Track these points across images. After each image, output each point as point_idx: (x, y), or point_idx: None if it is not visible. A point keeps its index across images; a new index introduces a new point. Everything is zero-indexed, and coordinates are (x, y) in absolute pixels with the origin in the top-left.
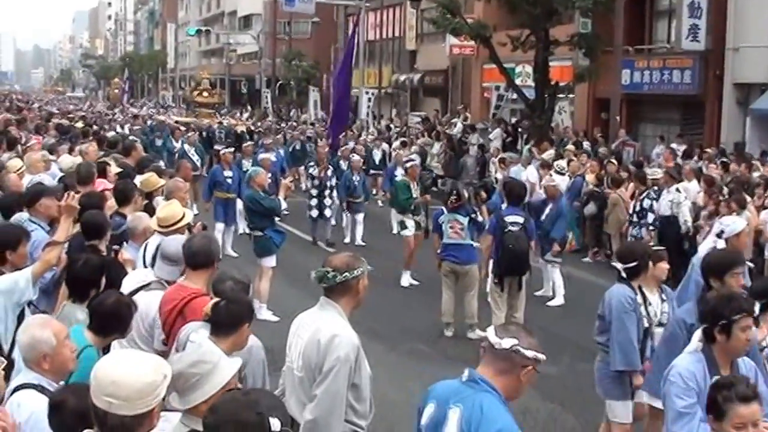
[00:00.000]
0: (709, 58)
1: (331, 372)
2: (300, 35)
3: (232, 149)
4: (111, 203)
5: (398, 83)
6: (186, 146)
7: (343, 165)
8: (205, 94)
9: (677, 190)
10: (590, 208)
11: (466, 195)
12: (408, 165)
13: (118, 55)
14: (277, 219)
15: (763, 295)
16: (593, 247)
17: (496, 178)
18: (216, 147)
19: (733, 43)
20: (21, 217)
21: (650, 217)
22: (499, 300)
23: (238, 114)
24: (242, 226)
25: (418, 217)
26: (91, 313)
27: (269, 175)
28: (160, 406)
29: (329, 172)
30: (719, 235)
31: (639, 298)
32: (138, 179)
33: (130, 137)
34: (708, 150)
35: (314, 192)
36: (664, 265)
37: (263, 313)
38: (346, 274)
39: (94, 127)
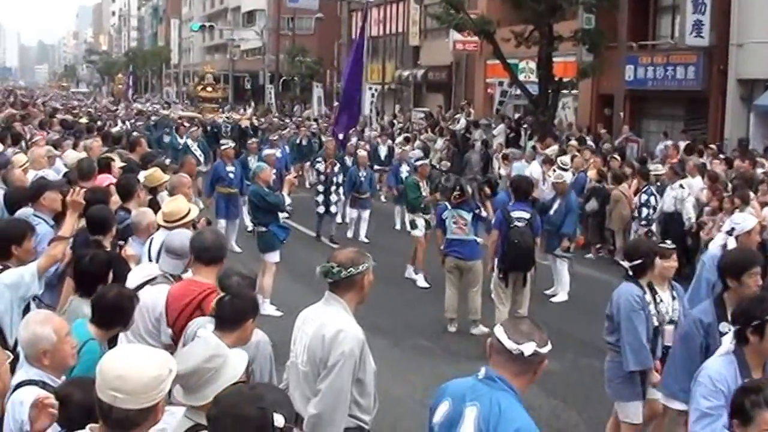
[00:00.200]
0: (712, 53)
1: (336, 367)
2: (304, 31)
3: (234, 144)
4: (115, 198)
5: (401, 79)
6: (189, 141)
7: (349, 161)
8: (209, 89)
9: (680, 186)
10: (592, 204)
11: (470, 191)
12: (418, 163)
13: (122, 51)
14: (285, 216)
15: None
16: (596, 243)
17: (499, 174)
18: (222, 142)
19: (737, 39)
20: (26, 212)
21: (644, 212)
22: (503, 295)
23: (242, 110)
24: (248, 223)
25: (428, 216)
26: (93, 307)
27: (274, 171)
28: (164, 401)
29: (336, 168)
30: (729, 233)
31: (648, 296)
32: (142, 174)
33: (134, 133)
34: (712, 146)
35: (320, 188)
36: (672, 263)
37: (267, 308)
38: (351, 269)
39: (98, 123)
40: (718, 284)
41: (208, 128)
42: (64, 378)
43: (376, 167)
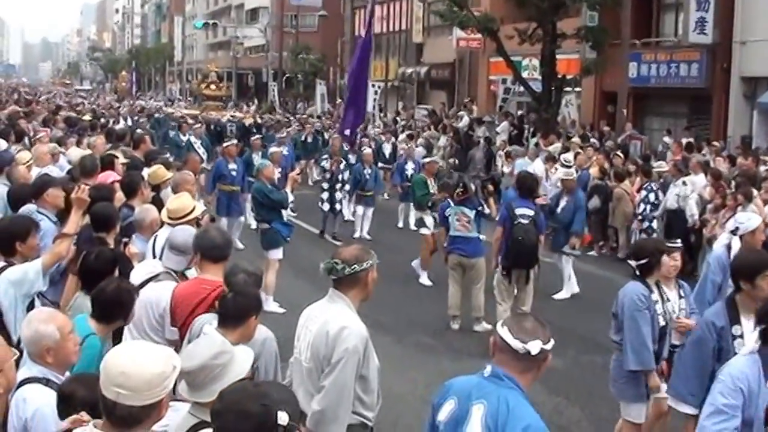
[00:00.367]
0: (716, 51)
1: (339, 363)
2: (307, 28)
3: (236, 141)
4: (119, 195)
5: (405, 76)
6: (192, 139)
7: (352, 158)
8: (213, 86)
9: (683, 183)
10: (594, 202)
11: (473, 188)
12: (426, 161)
13: (125, 48)
14: (291, 213)
15: None
16: (598, 241)
17: (502, 172)
18: (226, 140)
19: (740, 37)
20: (29, 208)
21: (641, 207)
22: (506, 292)
23: (245, 107)
24: (251, 221)
25: (436, 214)
26: (93, 301)
27: (279, 169)
28: (168, 397)
29: (341, 165)
30: (734, 232)
31: (655, 296)
32: (145, 171)
33: (138, 130)
34: (715, 143)
35: (325, 185)
36: (674, 261)
37: (270, 305)
38: (355, 266)
39: (102, 120)
40: (724, 286)
41: (212, 126)
42: (68, 374)
43: (380, 165)
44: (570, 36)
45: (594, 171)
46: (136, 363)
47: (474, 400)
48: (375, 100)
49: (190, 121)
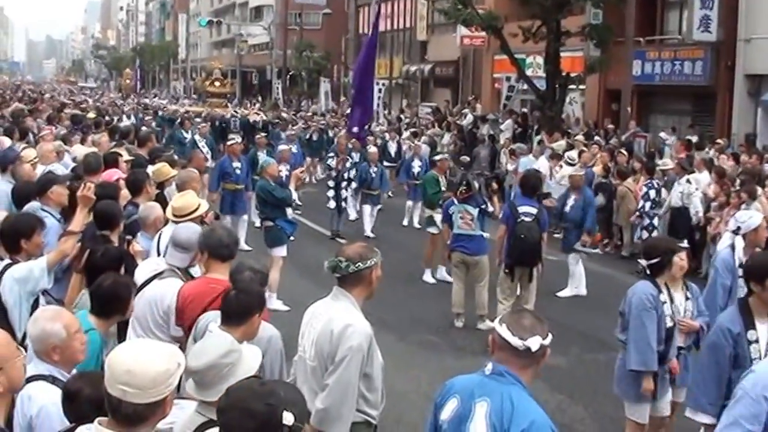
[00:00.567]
0: (720, 49)
1: (344, 361)
2: (311, 26)
3: (240, 139)
4: (124, 193)
5: (409, 74)
6: (197, 137)
7: (356, 156)
8: (217, 84)
9: (687, 181)
10: (598, 200)
11: (477, 186)
12: (437, 158)
13: (129, 46)
14: (297, 212)
15: None
16: (603, 239)
17: (506, 170)
18: (229, 137)
19: (744, 34)
20: (33, 206)
21: (640, 203)
22: (508, 290)
23: (249, 104)
24: (254, 218)
25: None
26: (91, 297)
27: (288, 166)
28: (173, 395)
29: (347, 164)
30: (736, 232)
31: (664, 296)
32: (150, 169)
33: (143, 128)
34: (719, 141)
35: (331, 183)
36: (681, 261)
37: (274, 302)
38: (359, 264)
39: (106, 118)
40: (734, 287)
41: (217, 123)
42: (75, 371)
43: (385, 164)
44: (574, 34)
45: (598, 169)
46: (140, 361)
47: (477, 398)
48: (379, 98)
49: (197, 119)
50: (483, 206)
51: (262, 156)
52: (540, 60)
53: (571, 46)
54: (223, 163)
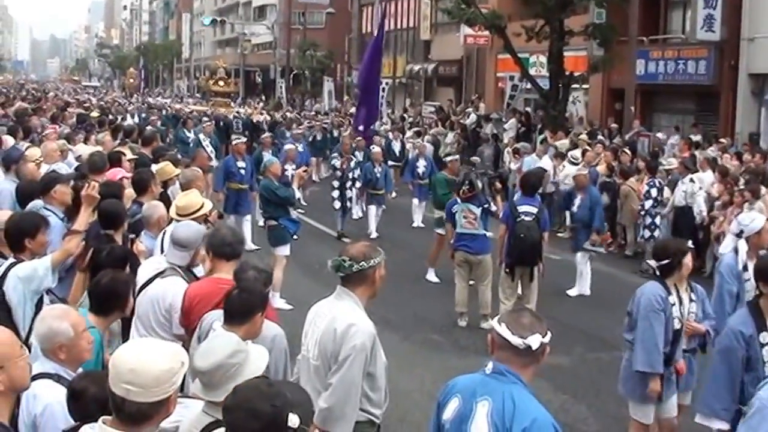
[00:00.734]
0: (723, 48)
1: (347, 361)
2: (314, 25)
3: (245, 139)
4: (129, 192)
5: (412, 73)
6: (201, 136)
7: (359, 155)
8: (221, 83)
9: (691, 180)
10: (602, 199)
11: (480, 185)
12: (448, 159)
13: (133, 45)
14: (300, 211)
15: None
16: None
17: (510, 168)
18: (233, 137)
19: (748, 34)
20: (36, 204)
21: (644, 202)
22: (509, 290)
23: (253, 103)
24: (258, 217)
25: None
26: (90, 295)
27: (293, 166)
28: (176, 393)
29: (352, 163)
30: (739, 235)
31: (673, 297)
32: (153, 168)
33: (149, 128)
34: (723, 140)
35: (336, 183)
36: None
37: (277, 301)
38: (363, 263)
39: (110, 117)
40: (741, 293)
41: (221, 123)
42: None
43: (390, 163)
44: (577, 33)
45: (601, 168)
46: (144, 360)
47: (478, 398)
48: (383, 97)
49: (205, 119)
50: (486, 205)
51: (266, 155)
52: (543, 59)
53: (575, 46)
54: (227, 163)
